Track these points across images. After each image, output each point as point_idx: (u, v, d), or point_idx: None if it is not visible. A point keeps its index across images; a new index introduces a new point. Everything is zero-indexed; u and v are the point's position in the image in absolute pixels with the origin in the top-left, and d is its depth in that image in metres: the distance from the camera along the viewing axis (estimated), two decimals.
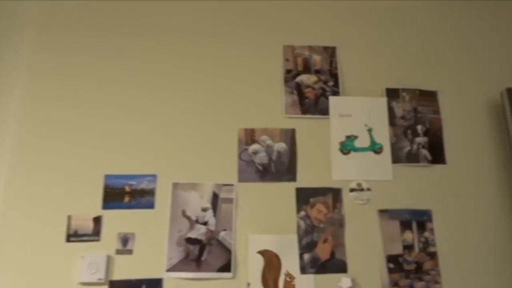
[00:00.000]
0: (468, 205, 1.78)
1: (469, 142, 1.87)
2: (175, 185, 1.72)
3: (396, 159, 1.82)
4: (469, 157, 1.85)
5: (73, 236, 1.64)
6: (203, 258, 1.66)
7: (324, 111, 1.85)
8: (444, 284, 1.69)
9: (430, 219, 1.78)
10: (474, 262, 1.72)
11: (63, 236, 1.63)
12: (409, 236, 1.76)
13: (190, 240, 1.67)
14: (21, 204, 1.65)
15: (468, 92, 1.93)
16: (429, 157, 1.84)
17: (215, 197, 1.73)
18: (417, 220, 1.77)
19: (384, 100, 1.90)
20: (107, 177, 1.71)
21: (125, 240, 1.66)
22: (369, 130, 1.86)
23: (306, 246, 1.71)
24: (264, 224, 1.72)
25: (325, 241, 1.73)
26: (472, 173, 1.83)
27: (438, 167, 1.83)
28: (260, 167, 1.78)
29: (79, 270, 1.58)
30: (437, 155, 1.85)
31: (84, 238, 1.64)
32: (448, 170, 1.83)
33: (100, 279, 1.59)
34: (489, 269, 1.71)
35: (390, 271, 1.70)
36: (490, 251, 1.73)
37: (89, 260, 1.60)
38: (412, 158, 1.83)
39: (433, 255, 1.73)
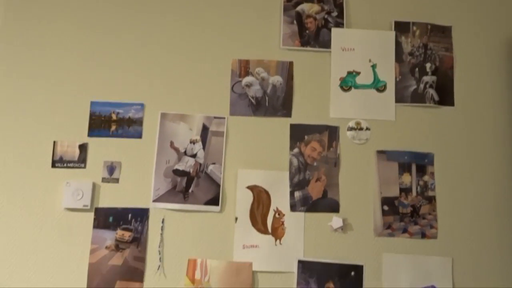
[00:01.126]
0: (473, 151, 1.80)
1: (481, 84, 1.86)
2: (164, 115, 1.78)
3: (400, 98, 1.83)
4: (479, 100, 1.85)
5: (58, 162, 1.73)
6: (190, 190, 1.74)
7: (325, 44, 1.85)
8: (440, 229, 1.75)
9: (431, 163, 1.81)
10: (473, 209, 1.76)
11: (48, 161, 1.72)
12: (407, 179, 1.80)
13: (177, 172, 1.75)
14: (6, 128, 1.73)
15: (484, 29, 1.90)
16: (436, 97, 1.85)
17: (205, 130, 1.79)
18: (417, 163, 1.80)
19: (391, 34, 1.88)
20: (93, 103, 1.78)
21: (111, 168, 1.75)
22: (373, 66, 1.86)
23: (298, 184, 1.77)
24: (255, 160, 1.77)
25: (317, 179, 1.78)
26: (480, 117, 1.83)
27: (445, 109, 1.84)
28: (253, 101, 1.82)
29: (64, 196, 1.68)
30: (445, 96, 1.86)
31: (70, 164, 1.73)
32: (455, 112, 1.83)
33: (85, 206, 1.69)
34: (488, 217, 1.75)
35: (384, 213, 1.76)
36: (491, 199, 1.77)
37: (75, 187, 1.69)
38: (418, 98, 1.84)
39: (430, 200, 1.78)
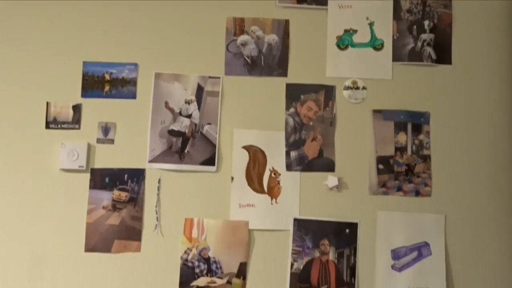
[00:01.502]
0: (469, 110, 1.83)
1: (479, 42, 1.86)
2: (158, 75, 1.79)
3: (397, 57, 1.84)
4: (477, 59, 1.86)
5: (52, 123, 1.75)
6: (186, 150, 1.77)
7: (322, 1, 1.84)
8: (434, 187, 1.80)
9: (427, 122, 1.84)
10: (467, 167, 1.81)
11: (42, 123, 1.74)
12: (402, 138, 1.84)
13: (173, 132, 1.78)
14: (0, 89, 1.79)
15: None
16: (433, 56, 1.86)
17: (199, 90, 1.81)
18: (413, 122, 1.83)
19: None
20: (86, 64, 1.78)
21: (106, 129, 1.77)
22: (370, 24, 1.86)
23: (293, 144, 1.81)
24: (251, 120, 1.80)
25: (313, 139, 1.82)
26: (478, 76, 1.85)
27: (442, 67, 1.85)
28: (248, 60, 1.82)
29: (59, 157, 1.71)
30: (442, 54, 1.86)
31: (64, 125, 1.75)
32: (453, 71, 1.85)
33: (81, 166, 1.72)
34: (482, 175, 1.80)
35: (379, 172, 1.81)
36: (485, 158, 1.81)
37: (70, 148, 1.72)
38: (415, 56, 1.85)
39: (425, 158, 1.82)
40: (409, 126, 1.84)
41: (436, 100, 1.84)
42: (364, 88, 1.85)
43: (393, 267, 1.74)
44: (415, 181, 1.82)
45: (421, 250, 1.78)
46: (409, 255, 1.77)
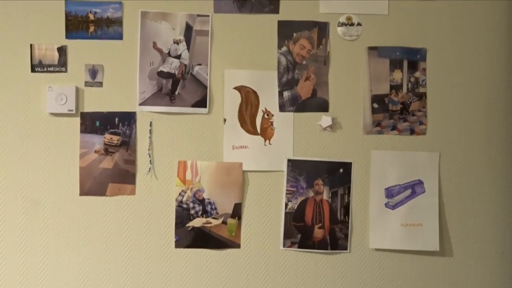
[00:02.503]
0: (467, 47, 1.75)
1: None
2: (144, 14, 1.69)
3: None
4: None
5: (38, 66, 1.68)
6: (177, 92, 1.71)
7: None
8: (429, 125, 1.75)
9: (423, 58, 1.76)
10: (463, 105, 1.75)
11: (27, 66, 1.67)
12: (398, 75, 1.77)
13: (162, 74, 1.70)
14: None
15: None
16: None
17: (188, 29, 1.71)
18: (408, 59, 1.76)
19: None
20: (68, 3, 1.67)
21: (93, 72, 1.70)
22: None
23: (286, 84, 1.74)
24: (242, 60, 1.72)
25: (306, 79, 1.75)
26: (478, 11, 1.75)
27: (440, 2, 1.74)
28: None
29: (47, 101, 1.65)
30: None
31: (50, 68, 1.68)
32: (451, 6, 1.74)
33: (70, 110, 1.66)
34: (477, 113, 1.74)
35: (374, 111, 1.75)
36: (482, 95, 1.74)
37: (57, 91, 1.65)
38: None
39: (421, 96, 1.76)
40: (405, 63, 1.76)
41: (433, 36, 1.75)
42: (359, 24, 1.75)
43: (386, 204, 1.73)
44: (410, 119, 1.76)
45: (414, 187, 1.76)
46: (403, 193, 1.75)
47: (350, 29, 1.76)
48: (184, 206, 1.69)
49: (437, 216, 1.73)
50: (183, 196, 1.69)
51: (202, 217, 1.68)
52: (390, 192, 1.76)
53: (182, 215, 1.68)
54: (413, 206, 1.74)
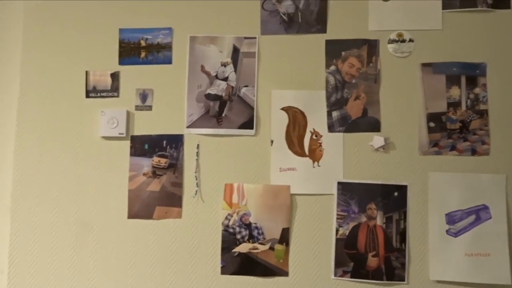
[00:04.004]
0: None
1: None
2: (193, 39, 1.68)
3: (447, 4, 1.62)
4: None
5: (92, 92, 1.70)
6: (224, 114, 1.66)
7: None
8: (493, 145, 1.58)
9: (483, 74, 1.61)
10: None
11: (82, 92, 1.70)
12: (455, 92, 1.62)
13: (210, 96, 1.67)
14: (39, 61, 1.69)
15: None
16: (489, 0, 1.62)
17: (235, 51, 1.68)
18: (467, 74, 1.61)
19: None
20: (122, 31, 1.71)
21: (143, 96, 1.69)
22: None
23: (335, 103, 1.64)
24: (289, 80, 1.65)
25: (356, 97, 1.64)
26: None
27: (499, 12, 1.61)
28: (285, 17, 1.67)
29: (99, 125, 1.66)
30: None
31: (103, 94, 1.70)
32: (511, 16, 1.62)
33: (121, 134, 1.66)
34: None
35: (430, 130, 1.61)
36: None
37: (109, 115, 1.66)
38: (468, 2, 1.61)
39: (482, 114, 1.60)
40: (463, 79, 1.62)
41: (493, 49, 1.61)
42: (411, 40, 1.64)
43: (448, 231, 1.55)
44: (471, 138, 1.60)
45: (479, 213, 1.57)
46: (466, 219, 1.57)
47: (401, 45, 1.65)
48: (231, 230, 1.60)
49: (506, 244, 1.52)
50: (229, 220, 1.60)
51: (249, 242, 1.58)
52: (451, 218, 1.58)
53: (228, 239, 1.59)
54: (478, 233, 1.54)
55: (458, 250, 1.55)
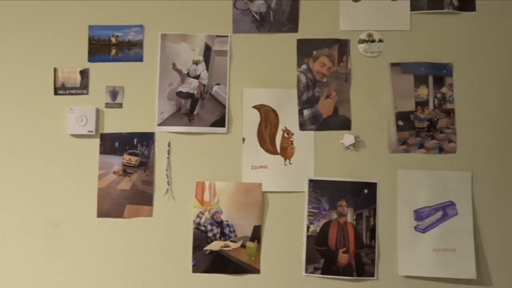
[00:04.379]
0: (495, 60, 1.62)
1: None
2: (164, 36, 1.66)
3: (415, 6, 1.64)
4: (503, 5, 1.63)
5: (61, 89, 1.66)
6: (195, 112, 1.64)
7: None
8: (459, 143, 1.61)
9: (449, 74, 1.64)
10: (494, 121, 1.60)
11: (50, 89, 1.65)
12: (423, 91, 1.65)
13: (181, 94, 1.65)
14: (6, 58, 1.63)
15: None
16: (456, 3, 1.65)
17: (207, 49, 1.66)
18: (434, 74, 1.64)
19: None
20: (91, 28, 1.67)
21: (114, 93, 1.66)
22: None
23: (307, 102, 1.64)
24: (261, 78, 1.64)
25: (327, 96, 1.65)
26: (505, 23, 1.63)
27: (465, 15, 1.64)
28: (257, 16, 1.66)
29: (68, 122, 1.61)
30: (465, 0, 1.66)
31: (72, 91, 1.65)
32: (477, 18, 1.63)
33: (90, 131, 1.62)
34: (509, 129, 1.65)
35: (399, 128, 1.63)
36: None
37: (78, 113, 1.62)
38: (435, 4, 1.64)
39: (449, 113, 1.63)
40: (431, 79, 1.64)
41: (459, 50, 1.63)
42: (380, 40, 1.66)
43: (416, 228, 1.57)
44: (438, 137, 1.63)
45: (446, 209, 1.60)
46: (434, 215, 1.59)
47: (371, 45, 1.67)
48: (202, 228, 1.58)
49: (472, 240, 1.55)
50: (201, 218, 1.58)
51: (220, 240, 1.57)
52: (419, 215, 1.60)
53: (200, 237, 1.57)
54: (445, 229, 1.56)
55: (426, 245, 1.56)
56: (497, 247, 1.57)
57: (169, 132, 1.63)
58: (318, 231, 1.58)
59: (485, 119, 1.61)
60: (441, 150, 1.62)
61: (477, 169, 1.59)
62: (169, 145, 1.64)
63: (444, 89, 1.66)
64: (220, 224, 1.59)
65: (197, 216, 1.58)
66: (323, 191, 1.60)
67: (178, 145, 1.62)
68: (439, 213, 1.61)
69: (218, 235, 1.58)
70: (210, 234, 1.58)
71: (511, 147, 1.59)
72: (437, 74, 1.65)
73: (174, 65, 1.67)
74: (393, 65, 1.64)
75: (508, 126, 1.61)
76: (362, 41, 1.67)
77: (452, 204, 1.61)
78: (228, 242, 1.57)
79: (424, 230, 1.60)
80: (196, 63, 1.68)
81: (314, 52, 1.67)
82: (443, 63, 1.64)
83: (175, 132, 1.63)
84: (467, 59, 1.64)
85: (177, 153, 1.62)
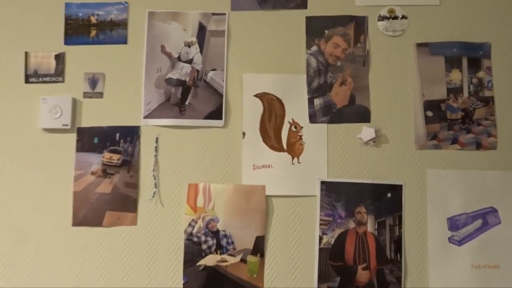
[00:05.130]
0: None
1: None
2: (151, 15, 1.17)
3: None
4: None
5: (32, 76, 1.18)
6: (187, 102, 1.16)
7: None
8: (500, 137, 1.11)
9: (487, 55, 1.16)
10: None
11: (21, 76, 1.17)
12: (456, 76, 1.17)
13: (171, 81, 1.16)
14: None
15: None
16: None
17: (201, 29, 1.18)
18: (469, 56, 1.14)
19: None
20: (68, 6, 1.20)
21: (93, 81, 1.20)
22: None
23: (318, 89, 1.16)
24: (264, 63, 1.15)
25: (342, 83, 1.18)
26: None
27: None
28: None
29: (40, 114, 1.12)
30: None
31: (46, 78, 1.18)
32: None
33: (65, 125, 1.14)
34: None
35: (428, 120, 1.14)
36: None
37: (52, 103, 1.13)
38: None
39: (487, 101, 1.14)
40: (465, 61, 1.14)
41: (498, 27, 1.12)
42: (404, 17, 1.19)
43: (450, 239, 1.06)
44: (475, 130, 1.13)
45: (486, 217, 1.10)
46: (471, 224, 1.10)
47: (393, 23, 1.20)
48: (195, 239, 1.08)
49: None
50: (193, 227, 1.08)
51: (216, 253, 1.07)
52: (454, 223, 1.10)
53: (192, 250, 1.07)
54: (486, 241, 1.06)
55: (462, 261, 1.05)
56: None
57: (156, 125, 1.13)
58: (332, 243, 1.07)
59: None
60: (478, 145, 1.10)
61: None
62: (156, 141, 1.14)
63: (481, 73, 1.16)
64: (216, 234, 1.08)
65: (189, 224, 1.08)
66: (338, 195, 1.09)
67: (167, 140, 1.12)
68: (478, 221, 1.12)
69: (213, 248, 1.07)
70: (204, 246, 1.07)
71: None
72: (472, 56, 1.13)
73: (163, 47, 1.19)
74: (420, 45, 1.13)
75: None
76: (382, 18, 1.19)
77: (493, 210, 1.10)
78: (225, 256, 1.07)
79: (460, 242, 1.08)
80: (188, 45, 1.21)
81: (326, 32, 1.18)
82: (479, 43, 1.13)
83: (163, 126, 1.13)
84: (508, 38, 1.13)
85: (166, 150, 1.12)
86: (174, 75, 1.15)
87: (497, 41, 1.12)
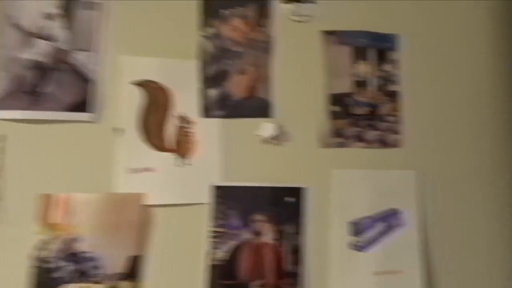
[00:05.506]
0: (452, 32, 0.95)
1: None
2: None
3: None
4: None
5: None
6: (46, 90, 0.85)
7: None
8: (406, 134, 0.94)
9: (395, 47, 1.02)
10: (450, 106, 0.94)
11: None
12: (363, 68, 0.98)
13: (23, 62, 0.83)
14: None
15: None
16: None
17: None
18: (377, 47, 0.96)
19: None
20: None
21: None
22: None
23: (213, 78, 0.88)
24: (147, 44, 0.84)
25: (242, 72, 0.94)
26: None
27: None
28: None
29: None
30: None
31: None
32: None
33: None
34: (465, 116, 0.94)
35: (333, 115, 0.95)
36: (470, 93, 0.94)
37: None
38: None
39: (394, 96, 0.99)
40: (372, 53, 0.95)
41: (409, 19, 0.94)
42: (311, 1, 1.01)
43: (353, 245, 0.86)
44: (381, 126, 0.94)
45: (389, 220, 0.95)
46: (375, 227, 0.92)
47: (300, 7, 0.95)
48: (50, 265, 0.75)
49: (420, 258, 0.89)
50: (48, 250, 0.79)
51: (79, 282, 0.77)
52: (357, 227, 0.95)
53: (44, 280, 0.74)
54: (389, 245, 0.88)
55: (365, 268, 0.86)
56: (450, 266, 0.94)
57: (2, 119, 0.81)
58: (227, 258, 0.82)
59: (438, 104, 0.93)
60: (383, 143, 0.97)
61: (428, 168, 0.91)
62: (3, 140, 0.89)
63: (388, 67, 0.98)
64: (78, 257, 0.78)
65: (41, 246, 0.78)
66: (232, 202, 0.84)
67: (16, 138, 0.77)
68: (381, 224, 0.95)
69: (75, 275, 0.82)
70: (61, 274, 0.76)
71: (467, 139, 0.93)
72: (380, 47, 0.93)
73: (11, 18, 0.90)
74: (327, 33, 0.92)
75: (464, 113, 0.94)
76: (287, 1, 1.01)
77: (397, 212, 0.95)
78: (90, 285, 0.79)
79: (363, 248, 0.90)
80: (49, 18, 0.91)
81: (225, 12, 0.91)
82: (388, 34, 0.93)
83: (11, 120, 0.78)
84: (418, 30, 0.94)
85: (15, 151, 0.77)
86: (28, 54, 0.81)
87: (406, 33, 0.93)
